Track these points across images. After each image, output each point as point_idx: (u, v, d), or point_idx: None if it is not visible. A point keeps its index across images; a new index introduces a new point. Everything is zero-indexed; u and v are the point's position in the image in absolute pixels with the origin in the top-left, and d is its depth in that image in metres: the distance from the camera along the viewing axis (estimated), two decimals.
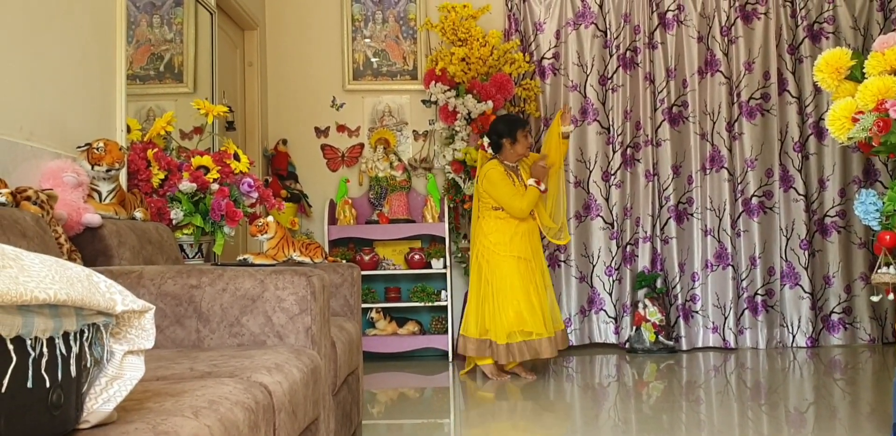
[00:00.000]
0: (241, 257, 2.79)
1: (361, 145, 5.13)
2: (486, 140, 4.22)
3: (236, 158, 3.06)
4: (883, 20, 5.10)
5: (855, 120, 2.57)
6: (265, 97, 5.07)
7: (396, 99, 5.19)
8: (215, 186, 2.95)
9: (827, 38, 5.09)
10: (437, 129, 4.87)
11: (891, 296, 2.59)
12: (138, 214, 2.57)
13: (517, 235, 4.10)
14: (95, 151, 2.32)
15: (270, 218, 2.77)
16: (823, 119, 5.06)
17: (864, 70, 2.67)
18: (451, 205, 4.87)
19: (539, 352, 3.99)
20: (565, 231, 4.33)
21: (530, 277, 4.09)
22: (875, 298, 2.64)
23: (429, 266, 4.84)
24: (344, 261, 3.02)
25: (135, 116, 4.27)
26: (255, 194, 2.97)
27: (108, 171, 2.36)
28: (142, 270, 1.98)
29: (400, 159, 5.05)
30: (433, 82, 4.72)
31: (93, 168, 2.34)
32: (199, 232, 2.93)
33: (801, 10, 5.09)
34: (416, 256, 4.84)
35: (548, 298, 4.17)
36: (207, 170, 2.98)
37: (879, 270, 2.57)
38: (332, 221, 4.88)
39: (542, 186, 4.11)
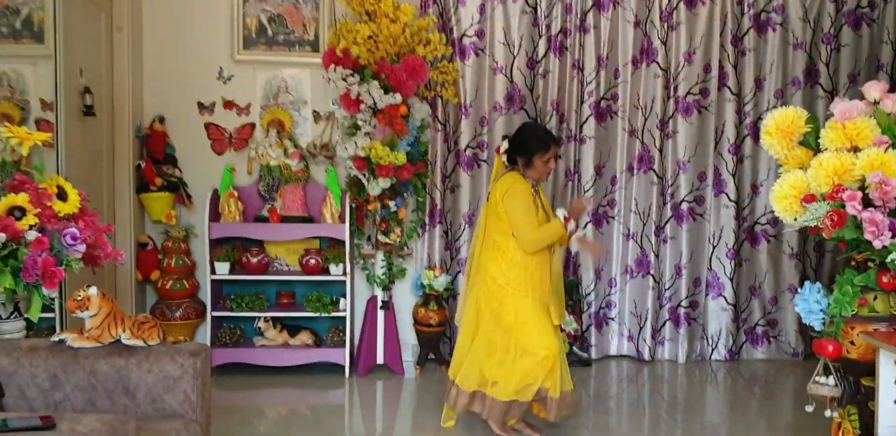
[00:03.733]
0: (57, 338, 2.25)
1: (252, 126, 4.50)
2: (504, 144, 3.36)
3: (62, 196, 2.46)
4: (835, 12, 4.65)
5: (807, 200, 2.15)
6: (139, 68, 4.35)
7: (294, 73, 4.53)
8: (32, 235, 2.37)
9: (774, 29, 4.63)
10: (339, 117, 4.27)
11: (829, 413, 2.25)
12: None
13: (539, 269, 3.26)
14: None
15: (93, 290, 2.22)
16: (762, 119, 4.66)
17: (820, 140, 2.24)
18: (354, 205, 4.33)
19: (546, 409, 3.26)
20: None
21: (551, 320, 3.27)
22: (809, 408, 2.30)
23: (326, 272, 4.34)
24: (187, 339, 2.51)
25: None
26: (82, 247, 2.39)
27: None
28: None
29: (296, 145, 4.45)
30: (332, 66, 4.08)
31: None
32: (10, 291, 2.37)
33: None
34: (312, 261, 4.32)
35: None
36: (23, 213, 2.39)
37: (818, 380, 2.23)
38: (216, 216, 4.30)
39: (572, 225, 3.24)
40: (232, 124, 4.48)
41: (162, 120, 4.39)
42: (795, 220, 2.22)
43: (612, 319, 4.71)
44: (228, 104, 4.50)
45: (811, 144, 2.27)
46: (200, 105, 4.50)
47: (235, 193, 4.33)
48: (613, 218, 4.69)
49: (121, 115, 4.20)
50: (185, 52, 4.44)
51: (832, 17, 4.64)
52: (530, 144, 3.28)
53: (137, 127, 4.32)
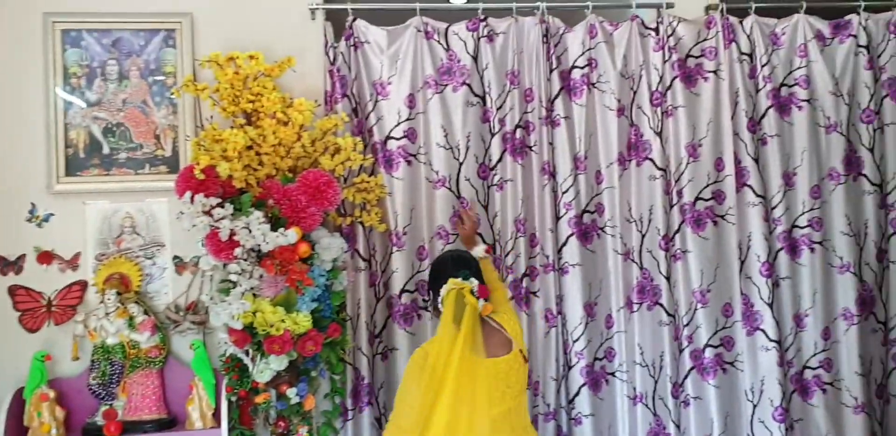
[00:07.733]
0: None
1: (82, 285, 3.03)
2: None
3: None
4: (873, 82, 3.54)
5: None
6: None
7: (144, 206, 3.13)
8: None
9: (800, 107, 3.48)
10: (203, 266, 2.84)
11: None
12: None
13: None
14: None
15: None
16: (797, 226, 3.47)
17: None
18: (234, 398, 2.83)
19: None
20: None
21: None
22: None
23: None
24: None
25: None
26: None
27: None
28: None
29: (148, 311, 2.99)
30: (189, 194, 2.69)
31: None
32: None
33: (761, 67, 3.45)
34: None
35: None
36: None
37: None
38: (21, 431, 2.75)
39: None
40: (51, 285, 3.01)
41: None
42: None
43: None
44: (45, 256, 3.04)
45: None
46: (2, 261, 3.03)
47: (51, 394, 2.80)
48: (613, 375, 3.31)
49: None
50: None
51: (871, 89, 3.52)
52: (435, 277, 2.61)
53: None
